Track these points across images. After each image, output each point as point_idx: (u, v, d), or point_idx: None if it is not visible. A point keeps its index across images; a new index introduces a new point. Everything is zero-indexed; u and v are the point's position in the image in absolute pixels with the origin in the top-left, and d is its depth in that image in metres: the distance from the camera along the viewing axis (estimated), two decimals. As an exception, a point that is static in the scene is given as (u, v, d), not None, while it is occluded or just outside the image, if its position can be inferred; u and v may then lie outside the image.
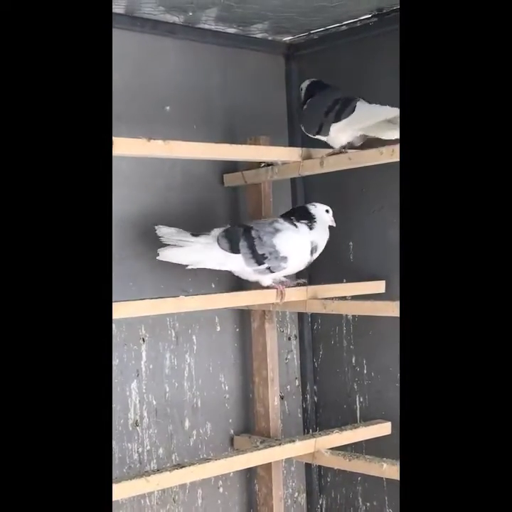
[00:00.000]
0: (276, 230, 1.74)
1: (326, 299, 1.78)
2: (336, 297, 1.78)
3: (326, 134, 1.74)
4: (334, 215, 1.83)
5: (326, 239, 1.80)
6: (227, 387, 1.98)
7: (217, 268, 1.74)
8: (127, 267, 1.79)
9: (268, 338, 1.94)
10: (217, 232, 1.73)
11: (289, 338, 2.10)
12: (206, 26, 1.90)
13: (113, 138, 1.47)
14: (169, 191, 1.88)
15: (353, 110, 1.69)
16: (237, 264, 1.72)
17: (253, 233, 1.72)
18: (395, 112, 1.58)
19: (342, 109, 1.71)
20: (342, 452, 1.80)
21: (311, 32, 2.00)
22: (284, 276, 1.79)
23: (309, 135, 1.80)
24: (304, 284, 1.79)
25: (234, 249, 1.71)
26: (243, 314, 2.00)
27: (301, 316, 2.10)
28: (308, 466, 2.10)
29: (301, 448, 1.76)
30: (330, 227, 1.81)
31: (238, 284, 1.96)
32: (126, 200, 1.80)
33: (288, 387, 2.09)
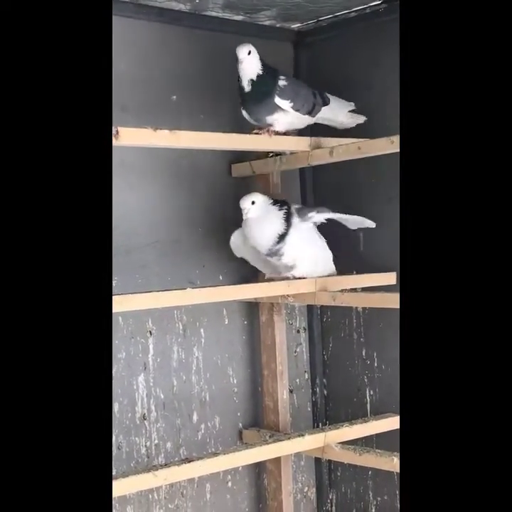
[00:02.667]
0: None
1: (335, 291, 1.78)
2: (345, 289, 1.79)
3: (315, 114, 1.81)
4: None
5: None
6: (235, 381, 1.99)
7: None
8: (134, 258, 1.80)
9: (277, 330, 1.94)
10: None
11: (298, 331, 2.10)
12: (213, 14, 1.90)
13: (119, 128, 1.48)
14: (176, 182, 1.89)
15: (328, 98, 1.84)
16: None
17: None
18: (352, 106, 1.89)
19: (322, 94, 1.83)
20: (352, 446, 1.81)
21: (320, 19, 2.00)
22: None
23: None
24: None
25: None
26: (251, 307, 2.00)
27: (310, 308, 2.10)
28: (317, 460, 2.11)
29: (310, 442, 1.76)
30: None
31: (246, 276, 1.97)
32: (132, 191, 1.81)
33: (297, 380, 2.10)
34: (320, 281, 1.80)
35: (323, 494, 2.12)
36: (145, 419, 1.83)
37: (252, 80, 1.76)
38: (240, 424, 2.00)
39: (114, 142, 1.47)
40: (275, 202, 1.78)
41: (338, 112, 1.87)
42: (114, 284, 1.75)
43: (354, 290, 1.81)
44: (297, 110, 1.78)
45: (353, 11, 1.94)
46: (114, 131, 1.47)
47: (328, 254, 1.87)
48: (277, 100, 1.76)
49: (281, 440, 1.74)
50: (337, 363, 2.08)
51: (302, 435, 1.76)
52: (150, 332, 1.84)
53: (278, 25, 2.03)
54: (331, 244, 1.87)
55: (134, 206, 1.81)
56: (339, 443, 1.80)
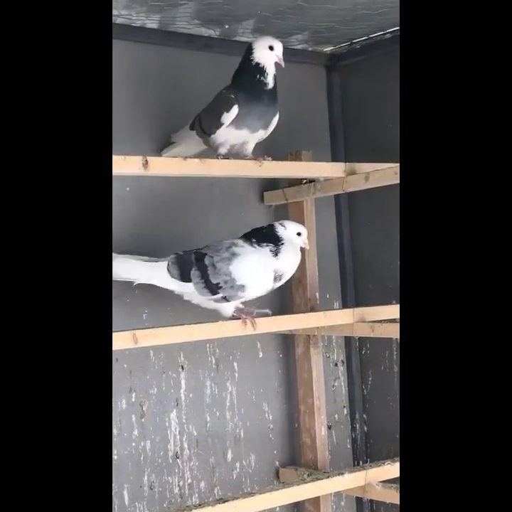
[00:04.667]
0: (233, 255, 1.64)
1: (374, 321, 1.77)
2: (384, 320, 1.77)
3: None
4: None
5: (296, 263, 1.70)
6: (271, 417, 1.98)
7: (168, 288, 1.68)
8: (164, 290, 1.80)
9: (313, 364, 1.93)
10: (169, 258, 1.65)
11: (336, 364, 2.09)
12: (243, 39, 1.92)
13: (148, 158, 1.49)
14: (208, 211, 1.90)
15: None
16: (190, 293, 1.66)
17: (206, 260, 1.63)
18: None
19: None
20: (395, 485, 1.78)
21: (354, 41, 2.01)
22: (243, 304, 1.69)
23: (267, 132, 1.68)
24: (267, 315, 1.68)
25: (185, 277, 1.63)
26: (287, 339, 2.00)
27: (348, 340, 2.09)
28: (359, 500, 2.08)
29: (350, 481, 1.74)
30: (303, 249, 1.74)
31: (281, 307, 1.97)
32: (163, 222, 1.82)
33: (336, 416, 2.08)
34: (358, 311, 1.79)
35: (365, 536, 2.09)
36: (178, 458, 1.82)
37: (275, 76, 1.63)
38: (277, 462, 1.98)
39: (144, 172, 1.49)
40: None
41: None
42: (144, 317, 1.76)
43: (393, 320, 1.79)
44: (211, 131, 1.65)
45: (387, 33, 1.94)
46: (143, 161, 1.48)
47: None
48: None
49: (320, 479, 1.72)
50: (377, 397, 2.06)
51: (342, 473, 1.74)
52: (182, 366, 1.84)
53: (310, 49, 2.05)
54: (369, 274, 1.86)
55: (165, 236, 1.82)
56: (381, 481, 1.77)
